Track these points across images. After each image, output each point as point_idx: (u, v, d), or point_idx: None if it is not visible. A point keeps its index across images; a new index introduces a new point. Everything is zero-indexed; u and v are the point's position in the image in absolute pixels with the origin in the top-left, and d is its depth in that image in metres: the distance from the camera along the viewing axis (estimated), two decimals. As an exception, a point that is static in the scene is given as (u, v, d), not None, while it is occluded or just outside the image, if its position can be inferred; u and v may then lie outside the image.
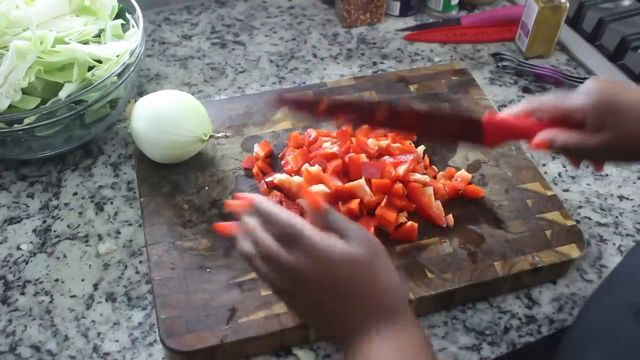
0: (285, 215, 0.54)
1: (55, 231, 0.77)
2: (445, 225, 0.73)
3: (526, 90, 0.99)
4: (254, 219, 0.56)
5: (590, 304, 0.57)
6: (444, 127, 0.67)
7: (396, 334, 0.51)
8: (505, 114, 0.66)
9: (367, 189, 0.71)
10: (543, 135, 0.62)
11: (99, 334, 0.67)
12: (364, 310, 0.52)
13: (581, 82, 0.97)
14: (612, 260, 0.75)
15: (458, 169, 0.80)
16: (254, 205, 0.56)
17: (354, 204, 0.71)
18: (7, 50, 0.74)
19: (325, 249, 0.52)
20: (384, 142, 0.78)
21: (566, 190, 0.83)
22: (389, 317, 0.52)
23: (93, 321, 0.68)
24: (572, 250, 0.71)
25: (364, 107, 0.67)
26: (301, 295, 0.54)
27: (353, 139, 0.78)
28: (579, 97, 0.61)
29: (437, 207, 0.73)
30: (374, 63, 1.04)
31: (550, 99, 0.63)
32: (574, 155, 0.65)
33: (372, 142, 0.77)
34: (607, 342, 0.44)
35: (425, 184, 0.74)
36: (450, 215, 0.74)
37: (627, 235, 0.78)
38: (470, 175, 0.79)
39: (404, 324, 0.53)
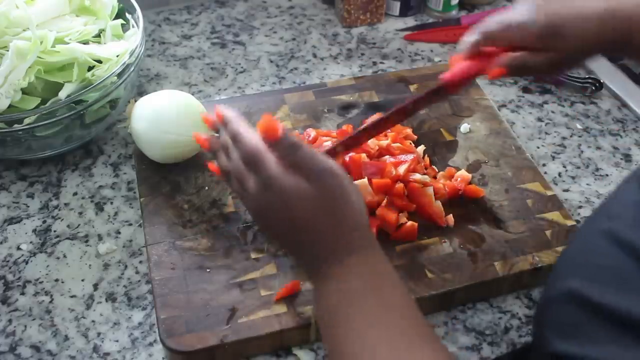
0: (249, 139, 0.53)
1: (55, 231, 0.77)
2: (445, 226, 0.73)
3: (526, 90, 0.99)
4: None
5: (575, 235, 0.58)
6: (421, 106, 0.68)
7: (363, 267, 0.52)
8: (459, 57, 0.65)
9: (369, 188, 0.72)
10: (495, 64, 0.62)
11: (99, 334, 0.67)
12: (326, 246, 0.52)
13: (582, 83, 0.97)
14: (613, 260, 0.75)
15: (458, 169, 0.80)
16: (224, 122, 0.57)
17: None
18: (7, 50, 0.74)
19: (281, 185, 0.51)
20: (384, 142, 0.78)
21: (566, 190, 0.83)
22: (354, 252, 0.52)
23: (93, 321, 0.68)
24: (572, 250, 0.71)
25: (360, 137, 0.68)
26: (266, 220, 0.55)
27: None
28: (520, 23, 0.61)
29: (437, 207, 0.73)
30: (374, 63, 1.04)
31: (495, 29, 0.62)
32: (529, 74, 0.65)
33: (372, 142, 0.77)
34: (586, 267, 0.45)
35: (425, 184, 0.74)
36: (451, 215, 0.74)
37: (627, 235, 0.78)
38: (470, 175, 0.79)
39: (373, 258, 0.53)
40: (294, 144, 0.52)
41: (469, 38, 0.64)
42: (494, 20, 0.62)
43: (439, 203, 0.74)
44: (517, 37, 0.61)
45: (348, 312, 0.50)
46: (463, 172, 0.79)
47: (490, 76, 0.63)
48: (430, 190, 0.73)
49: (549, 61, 0.61)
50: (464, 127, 0.87)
